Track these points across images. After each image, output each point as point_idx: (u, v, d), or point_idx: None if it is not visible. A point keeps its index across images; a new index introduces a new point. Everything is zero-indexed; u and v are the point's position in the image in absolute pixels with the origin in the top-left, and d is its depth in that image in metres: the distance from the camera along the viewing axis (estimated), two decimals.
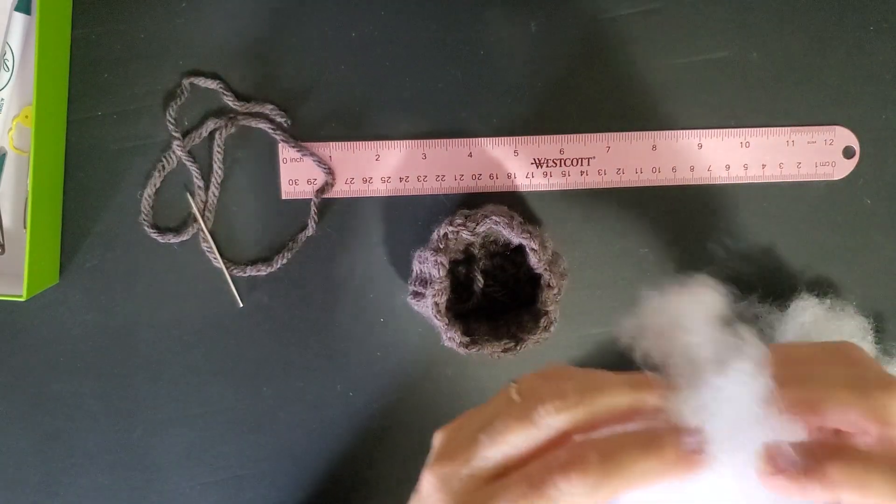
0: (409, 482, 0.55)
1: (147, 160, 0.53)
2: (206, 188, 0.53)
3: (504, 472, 0.30)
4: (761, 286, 0.54)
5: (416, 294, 0.50)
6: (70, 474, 0.54)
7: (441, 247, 0.48)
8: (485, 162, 0.53)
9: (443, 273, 0.47)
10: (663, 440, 0.29)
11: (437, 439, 0.33)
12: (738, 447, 0.28)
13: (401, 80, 0.53)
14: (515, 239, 0.48)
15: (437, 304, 0.48)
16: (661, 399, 0.30)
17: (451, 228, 0.48)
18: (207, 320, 0.53)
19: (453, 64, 0.53)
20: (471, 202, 0.53)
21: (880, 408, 0.29)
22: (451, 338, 0.48)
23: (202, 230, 0.53)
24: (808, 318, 0.52)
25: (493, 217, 0.48)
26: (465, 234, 0.48)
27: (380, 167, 0.53)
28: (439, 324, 0.48)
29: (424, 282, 0.49)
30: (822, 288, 0.54)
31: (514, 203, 0.53)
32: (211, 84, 0.52)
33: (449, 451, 0.32)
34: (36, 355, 0.53)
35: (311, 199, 0.53)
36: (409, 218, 0.53)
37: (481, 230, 0.48)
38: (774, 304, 0.53)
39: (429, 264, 0.49)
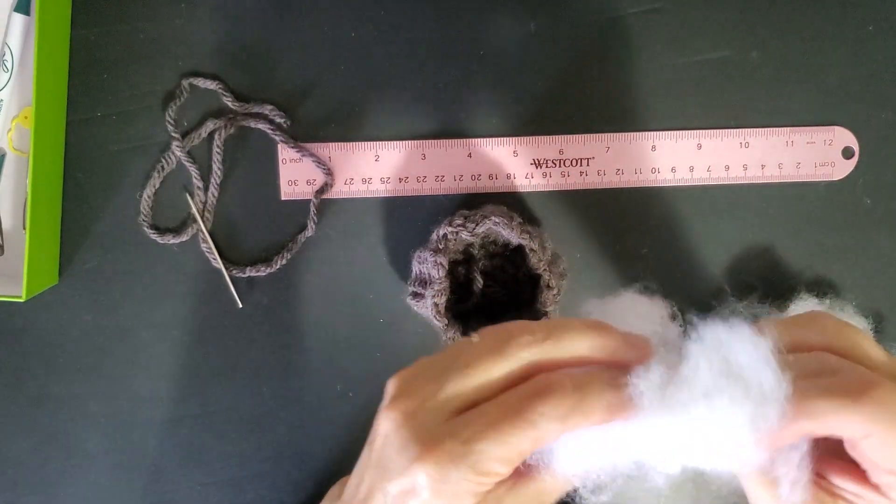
0: None
1: (146, 161, 0.53)
2: (206, 189, 0.53)
3: (470, 407, 0.30)
4: (761, 286, 0.54)
5: (416, 294, 0.50)
6: (70, 475, 0.54)
7: (440, 247, 0.48)
8: (484, 162, 0.53)
9: (442, 273, 0.47)
10: (623, 380, 0.30)
11: (393, 384, 0.32)
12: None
13: (400, 81, 0.53)
14: (515, 239, 0.48)
15: (436, 304, 0.48)
16: (622, 343, 0.31)
17: (450, 229, 0.48)
18: (207, 321, 0.53)
19: (453, 64, 0.53)
20: (470, 203, 0.53)
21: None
22: (450, 338, 0.48)
23: (201, 231, 0.53)
24: None
25: (493, 217, 0.48)
26: (464, 235, 0.48)
27: (379, 168, 0.53)
28: (439, 324, 0.48)
29: (424, 282, 0.49)
30: (821, 288, 0.54)
31: (514, 203, 0.53)
32: (210, 85, 0.52)
33: (410, 390, 0.31)
34: (35, 356, 0.53)
35: (310, 200, 0.53)
36: (409, 218, 0.53)
37: (481, 231, 0.48)
38: (774, 305, 0.53)
39: (428, 265, 0.49)
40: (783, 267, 0.54)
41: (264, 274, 0.53)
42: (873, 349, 0.31)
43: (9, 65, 0.51)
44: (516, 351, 0.30)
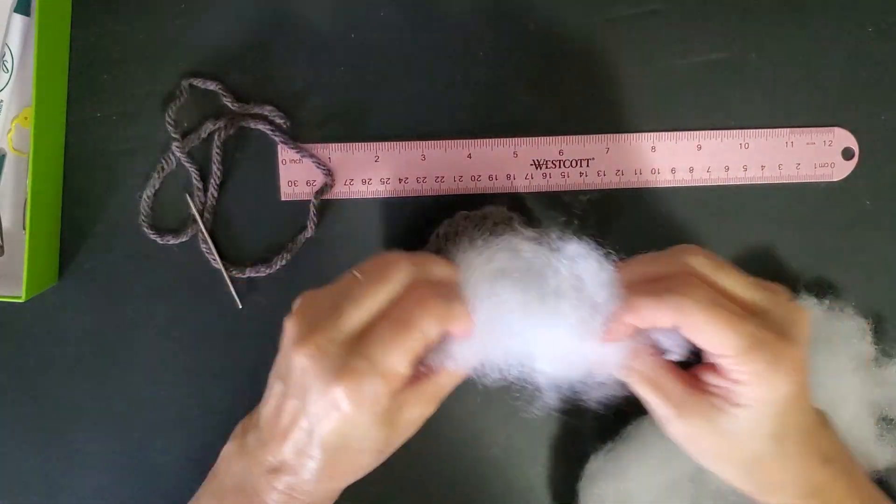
0: (410, 479, 0.55)
1: (146, 161, 0.53)
2: (206, 189, 0.53)
3: (366, 330, 0.38)
4: None
5: None
6: (69, 476, 0.54)
7: (441, 248, 0.48)
8: (484, 163, 0.53)
9: None
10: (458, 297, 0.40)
11: (294, 324, 0.39)
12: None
13: (400, 82, 0.53)
14: None
15: None
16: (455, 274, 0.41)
17: (450, 230, 0.48)
18: (207, 321, 0.53)
19: (453, 64, 0.53)
20: (470, 203, 0.53)
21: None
22: None
23: (201, 231, 0.53)
24: None
25: (493, 218, 0.48)
26: None
27: (379, 168, 0.53)
28: None
29: None
30: (821, 289, 0.54)
31: (514, 204, 0.53)
32: (210, 85, 0.52)
33: (313, 327, 0.38)
34: (35, 356, 0.53)
35: (310, 201, 0.53)
36: (409, 219, 0.53)
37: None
38: None
39: None
40: (783, 267, 0.54)
41: (264, 274, 0.53)
42: (732, 278, 0.39)
43: (9, 65, 0.52)
44: (396, 275, 0.39)
